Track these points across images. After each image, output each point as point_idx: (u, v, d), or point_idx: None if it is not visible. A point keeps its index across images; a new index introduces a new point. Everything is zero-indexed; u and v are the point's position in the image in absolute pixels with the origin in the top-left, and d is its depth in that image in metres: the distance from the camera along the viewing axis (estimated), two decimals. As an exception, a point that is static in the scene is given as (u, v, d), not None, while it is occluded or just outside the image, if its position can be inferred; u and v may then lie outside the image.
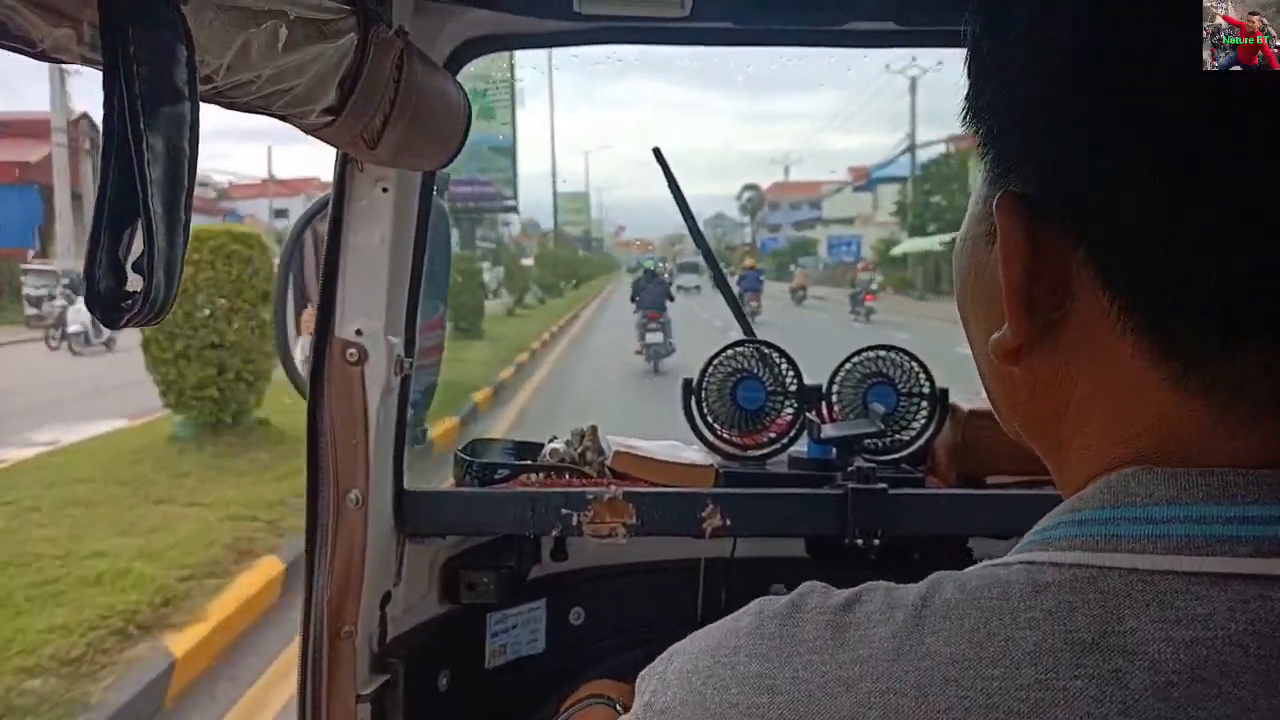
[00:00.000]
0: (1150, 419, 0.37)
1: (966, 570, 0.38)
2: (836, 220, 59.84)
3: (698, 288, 28.54)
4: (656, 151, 1.45)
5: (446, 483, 1.36)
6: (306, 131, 0.76)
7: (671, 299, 14.57)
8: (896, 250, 40.87)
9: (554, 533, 1.25)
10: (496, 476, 1.31)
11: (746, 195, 78.91)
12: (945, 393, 1.40)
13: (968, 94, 0.43)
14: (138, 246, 0.41)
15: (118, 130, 0.39)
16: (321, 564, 1.12)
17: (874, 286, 26.77)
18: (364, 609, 1.15)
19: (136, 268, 0.41)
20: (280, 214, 46.00)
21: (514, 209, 30.81)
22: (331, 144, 0.84)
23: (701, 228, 1.53)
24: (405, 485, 1.23)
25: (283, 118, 0.69)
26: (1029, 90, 0.38)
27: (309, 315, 1.62)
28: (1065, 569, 0.35)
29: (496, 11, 1.07)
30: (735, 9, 1.04)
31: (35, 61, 0.44)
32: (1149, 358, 0.36)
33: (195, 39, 0.51)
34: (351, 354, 1.10)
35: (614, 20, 1.05)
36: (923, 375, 1.41)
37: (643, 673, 0.43)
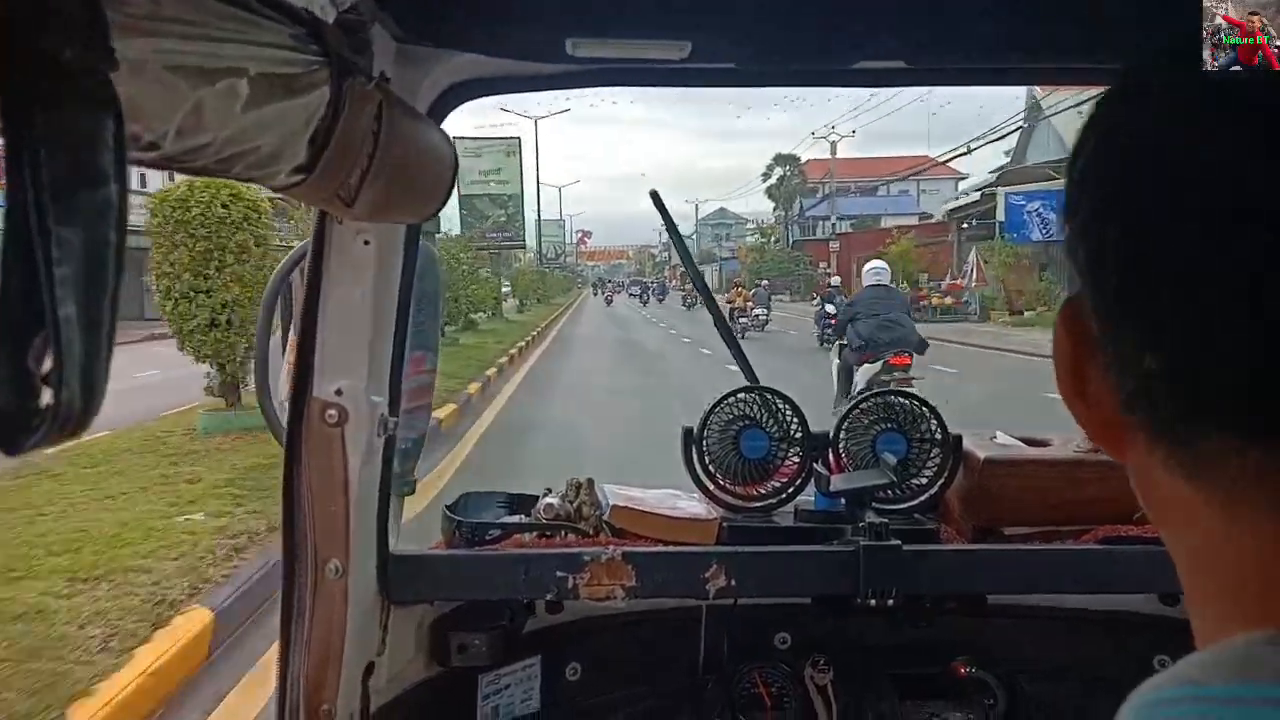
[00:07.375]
0: (1216, 557, 0.34)
1: None
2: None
3: (644, 296, 47.77)
4: (654, 194, 1.40)
5: (435, 543, 1.29)
6: (275, 191, 0.70)
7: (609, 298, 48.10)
8: None
9: (548, 596, 1.18)
10: (488, 536, 1.24)
11: (778, 173, 51.49)
12: (959, 439, 1.34)
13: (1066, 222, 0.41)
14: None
15: (20, 223, 0.33)
16: (298, 639, 1.05)
17: None
18: (344, 683, 1.08)
19: (50, 380, 0.34)
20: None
21: (522, 246, 41.06)
22: (305, 202, 0.78)
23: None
24: (391, 549, 1.16)
25: (247, 180, 0.63)
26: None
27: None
28: None
29: (484, 55, 1.01)
30: (737, 50, 0.98)
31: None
32: (1178, 473, 0.35)
33: (136, 104, 0.45)
34: (331, 415, 1.04)
35: (609, 63, 1.00)
36: (934, 421, 1.35)
37: None
